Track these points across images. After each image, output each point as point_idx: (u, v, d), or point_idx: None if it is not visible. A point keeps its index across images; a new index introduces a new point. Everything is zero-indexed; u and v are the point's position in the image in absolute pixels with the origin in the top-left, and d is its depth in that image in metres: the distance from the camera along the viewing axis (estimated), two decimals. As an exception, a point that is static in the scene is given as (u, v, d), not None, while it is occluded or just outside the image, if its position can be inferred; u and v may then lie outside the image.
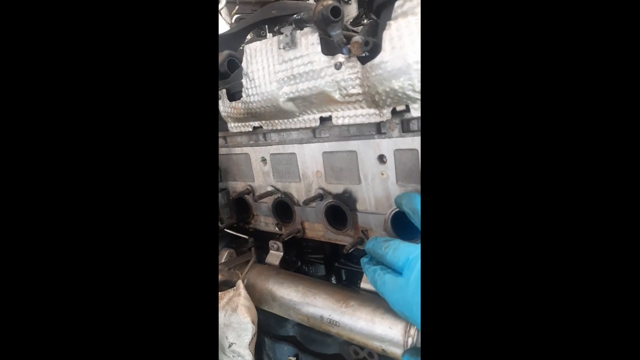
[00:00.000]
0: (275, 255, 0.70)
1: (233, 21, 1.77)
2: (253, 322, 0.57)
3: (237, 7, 1.76)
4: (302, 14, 0.50)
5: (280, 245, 0.70)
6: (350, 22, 1.88)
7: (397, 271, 0.44)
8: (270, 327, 0.74)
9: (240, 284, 0.60)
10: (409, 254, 0.42)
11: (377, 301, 0.51)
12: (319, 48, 0.49)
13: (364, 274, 0.57)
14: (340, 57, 0.48)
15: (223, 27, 1.48)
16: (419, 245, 0.43)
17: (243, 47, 0.60)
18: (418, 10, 0.42)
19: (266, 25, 0.83)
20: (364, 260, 0.50)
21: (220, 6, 1.53)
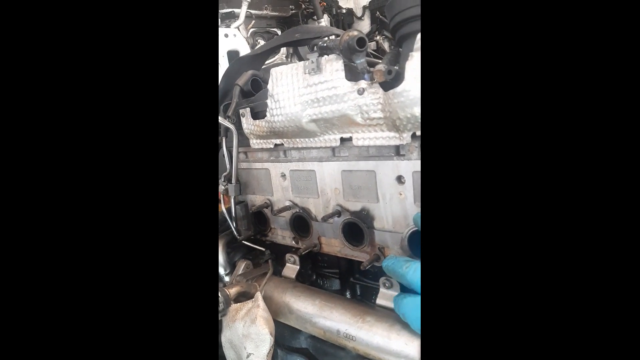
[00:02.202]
0: (291, 269, 0.72)
1: (249, 35, 1.83)
2: (271, 334, 0.59)
3: (253, 21, 1.82)
4: (327, 41, 0.53)
5: (297, 259, 0.72)
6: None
7: (415, 291, 0.45)
8: (283, 338, 0.75)
9: (258, 295, 0.62)
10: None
11: (393, 318, 0.52)
12: (342, 74, 0.52)
13: (380, 290, 0.59)
14: (363, 83, 0.50)
15: (241, 41, 1.53)
16: None
17: (269, 69, 0.63)
18: (439, 43, 0.45)
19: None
20: (396, 298, 0.51)
21: (238, 23, 1.59)
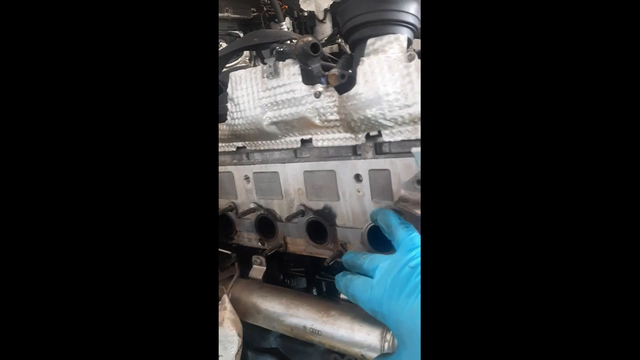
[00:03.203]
0: (258, 270, 0.73)
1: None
2: (239, 335, 0.59)
3: (215, 23, 1.79)
4: (284, 46, 0.55)
5: (263, 259, 0.72)
6: (325, 40, 1.96)
7: (369, 276, 0.48)
8: (253, 340, 0.76)
9: (225, 298, 0.62)
10: (382, 261, 0.47)
11: (355, 311, 0.55)
12: (299, 78, 0.54)
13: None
14: (320, 87, 0.53)
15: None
16: (392, 255, 0.47)
17: (228, 72, 0.63)
18: (387, 48, 0.48)
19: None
20: (338, 275, 0.53)
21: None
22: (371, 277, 0.47)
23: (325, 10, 2.07)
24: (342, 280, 0.51)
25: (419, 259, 0.44)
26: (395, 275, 0.44)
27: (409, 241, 0.46)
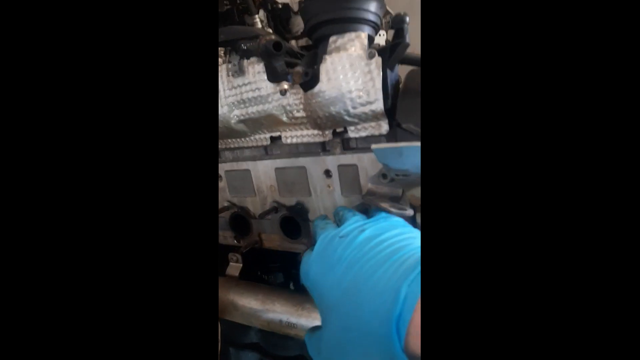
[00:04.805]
0: (235, 267, 0.74)
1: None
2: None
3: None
4: (248, 44, 0.54)
5: (240, 257, 0.73)
6: (301, 32, 1.94)
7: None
8: (234, 336, 0.77)
9: (201, 297, 0.63)
10: (325, 232, 0.43)
11: (329, 302, 0.56)
12: (264, 76, 0.54)
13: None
14: (285, 85, 0.53)
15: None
16: (330, 231, 0.43)
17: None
18: (349, 46, 0.48)
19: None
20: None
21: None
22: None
23: (300, 3, 2.05)
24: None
25: (350, 228, 0.40)
26: (325, 246, 0.40)
27: (351, 216, 0.43)
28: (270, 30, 1.12)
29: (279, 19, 2.04)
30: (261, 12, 1.90)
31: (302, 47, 1.14)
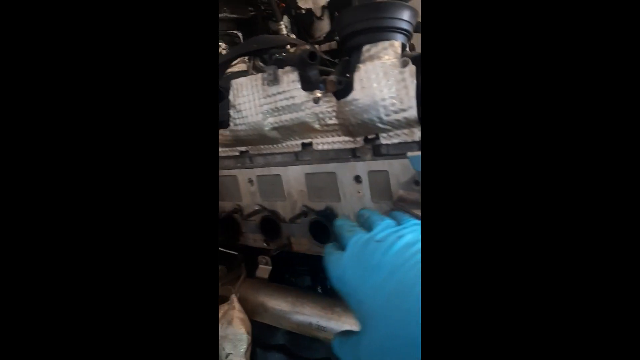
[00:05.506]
0: (264, 269, 0.76)
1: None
2: (248, 333, 0.62)
3: (213, 24, 1.81)
4: (283, 54, 0.56)
5: (269, 259, 0.75)
6: (323, 37, 1.96)
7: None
8: (261, 337, 0.79)
9: (234, 297, 0.65)
10: (356, 234, 0.42)
11: (359, 306, 0.57)
12: (299, 85, 0.56)
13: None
14: (318, 93, 0.54)
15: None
16: (362, 233, 0.43)
17: (229, 78, 0.65)
18: (382, 54, 0.49)
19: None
20: (327, 246, 0.47)
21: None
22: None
23: (323, 7, 2.07)
24: (325, 255, 0.45)
25: (386, 233, 0.39)
26: (360, 249, 0.39)
27: (380, 220, 0.42)
28: (294, 36, 1.15)
29: (302, 24, 2.07)
30: (285, 18, 1.93)
31: (324, 52, 1.16)
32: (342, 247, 0.44)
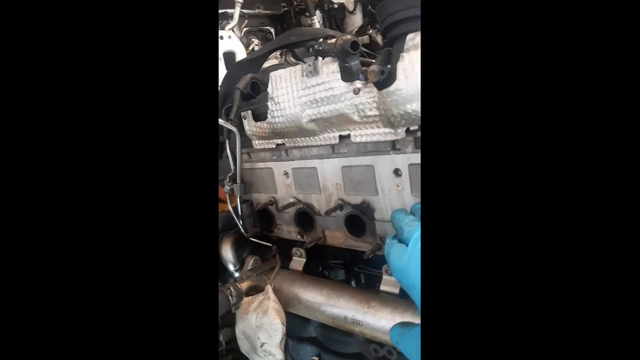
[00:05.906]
0: (298, 262, 0.76)
1: (242, 34, 1.84)
2: (282, 323, 0.62)
3: (246, 21, 1.84)
4: (323, 45, 0.56)
5: (303, 252, 0.75)
6: (356, 31, 1.93)
7: (406, 244, 0.46)
8: (293, 329, 0.79)
9: (269, 288, 0.66)
10: (418, 230, 0.45)
11: (396, 302, 0.56)
12: (339, 75, 0.55)
13: (383, 277, 0.62)
14: (359, 84, 0.53)
15: (236, 42, 1.55)
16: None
17: (267, 71, 0.66)
18: (428, 43, 0.48)
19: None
20: (388, 237, 0.51)
21: (232, 24, 1.60)
22: (407, 245, 0.46)
23: (355, 2, 2.05)
24: (387, 245, 0.49)
25: None
26: None
27: None
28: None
29: (334, 18, 2.05)
30: (317, 12, 1.91)
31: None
32: (401, 240, 0.48)
